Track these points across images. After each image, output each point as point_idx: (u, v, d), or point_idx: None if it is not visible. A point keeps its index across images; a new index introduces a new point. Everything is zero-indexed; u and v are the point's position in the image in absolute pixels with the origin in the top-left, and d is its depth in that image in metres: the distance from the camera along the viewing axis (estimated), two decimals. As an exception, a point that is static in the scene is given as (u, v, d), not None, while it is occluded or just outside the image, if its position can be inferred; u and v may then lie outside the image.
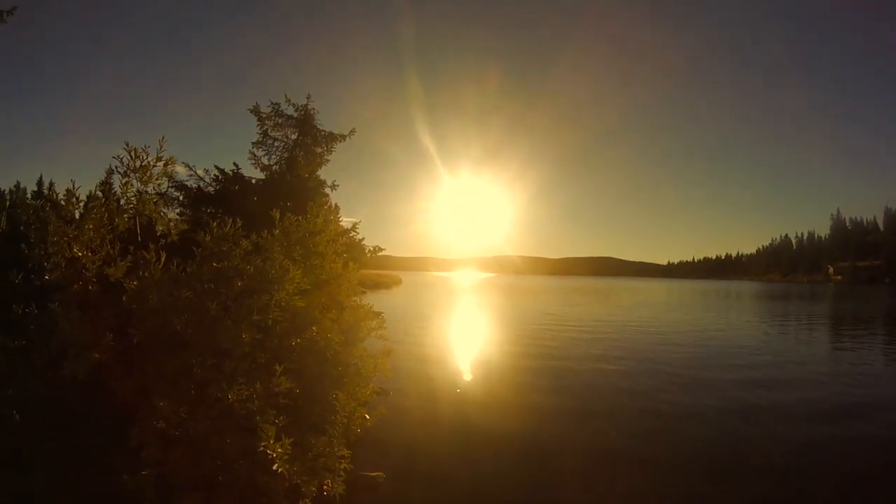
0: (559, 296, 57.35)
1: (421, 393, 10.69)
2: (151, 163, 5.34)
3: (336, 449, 4.72)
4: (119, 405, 4.42)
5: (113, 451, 4.38)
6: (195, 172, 11.64)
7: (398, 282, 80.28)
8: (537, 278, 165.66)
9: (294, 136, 11.95)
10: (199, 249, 4.50)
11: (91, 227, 4.64)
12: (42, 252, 4.62)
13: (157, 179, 5.52)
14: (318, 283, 5.17)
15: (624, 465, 7.23)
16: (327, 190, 11.93)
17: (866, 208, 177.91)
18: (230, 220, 4.54)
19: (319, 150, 11.90)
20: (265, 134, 11.82)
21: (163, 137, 5.36)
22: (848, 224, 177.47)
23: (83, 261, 4.57)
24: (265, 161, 11.79)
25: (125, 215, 5.34)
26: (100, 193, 5.36)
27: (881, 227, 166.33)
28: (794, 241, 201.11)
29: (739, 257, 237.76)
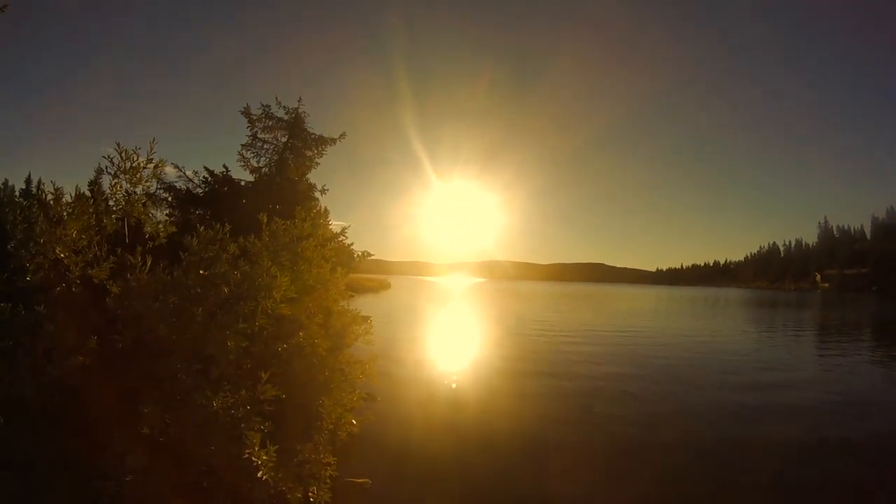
0: (549, 302, 57.50)
1: (410, 398, 10.67)
2: (142, 164, 5.30)
3: (322, 455, 4.70)
4: (104, 410, 4.37)
5: (97, 456, 4.34)
6: (184, 174, 11.60)
7: (387, 286, 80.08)
8: (528, 284, 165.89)
9: (284, 139, 11.92)
10: (186, 254, 4.47)
11: (76, 228, 4.59)
12: (26, 252, 4.57)
13: (146, 181, 5.48)
14: (305, 288, 5.14)
15: (612, 468, 7.27)
16: (317, 194, 11.92)
17: (854, 217, 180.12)
18: (217, 225, 4.51)
19: (309, 153, 11.88)
20: (255, 136, 11.78)
21: (153, 139, 5.33)
22: (835, 232, 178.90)
23: (66, 262, 4.52)
24: (254, 163, 11.76)
25: (113, 216, 5.30)
26: (88, 193, 5.32)
27: (868, 235, 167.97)
28: (781, 249, 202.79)
29: (728, 264, 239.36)
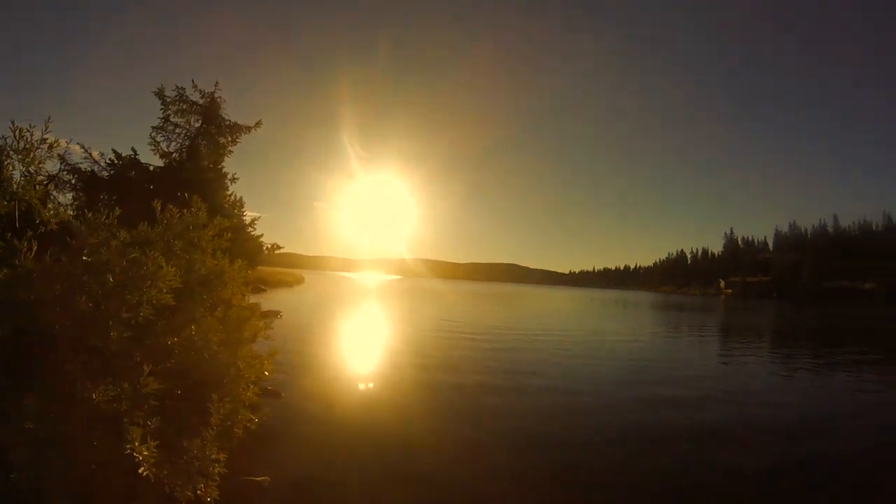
0: (462, 300, 58.15)
1: (315, 395, 10.45)
2: (35, 144, 4.99)
3: (210, 452, 4.55)
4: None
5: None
6: (90, 155, 11.02)
7: (301, 281, 78.42)
8: (442, 282, 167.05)
9: (198, 124, 11.52)
10: (72, 240, 4.24)
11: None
12: None
13: (40, 162, 5.17)
14: (200, 279, 4.95)
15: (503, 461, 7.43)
16: (228, 182, 11.58)
17: (758, 229, 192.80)
18: (106, 210, 4.30)
19: (223, 140, 11.53)
20: (167, 119, 11.33)
21: (48, 118, 5.03)
22: (740, 243, 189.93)
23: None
24: (165, 148, 11.31)
25: (3, 200, 4.97)
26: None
27: (771, 246, 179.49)
28: (689, 257, 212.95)
29: (638, 269, 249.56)
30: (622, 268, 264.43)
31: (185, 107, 11.38)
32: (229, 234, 5.71)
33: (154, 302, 4.23)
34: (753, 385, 14.43)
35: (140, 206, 5.24)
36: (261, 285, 45.41)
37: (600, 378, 14.25)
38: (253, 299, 16.67)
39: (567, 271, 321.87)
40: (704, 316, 53.04)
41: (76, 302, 4.09)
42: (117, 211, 4.34)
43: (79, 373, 4.00)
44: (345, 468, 6.95)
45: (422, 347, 18.51)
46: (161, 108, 11.25)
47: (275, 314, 24.19)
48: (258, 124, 11.63)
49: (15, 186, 5.11)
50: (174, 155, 11.30)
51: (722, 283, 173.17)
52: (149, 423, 3.99)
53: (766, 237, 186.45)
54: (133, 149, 11.15)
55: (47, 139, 5.08)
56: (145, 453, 3.80)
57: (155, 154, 11.31)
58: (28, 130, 4.93)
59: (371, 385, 12.00)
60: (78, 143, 10.80)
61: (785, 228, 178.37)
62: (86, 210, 4.37)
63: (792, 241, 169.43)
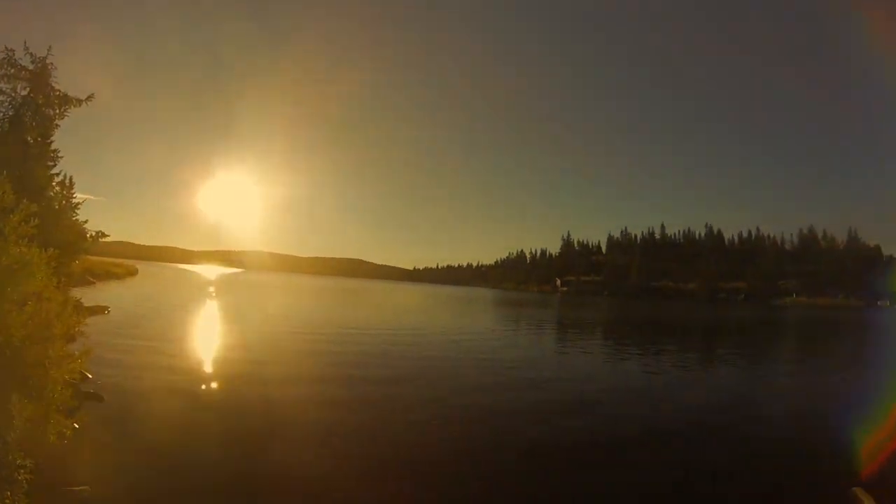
0: (307, 297, 57.46)
1: (142, 397, 9.66)
2: None
3: (14, 458, 4.11)
4: None
5: None
6: None
7: (134, 273, 72.34)
8: (285, 276, 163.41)
9: (25, 93, 10.27)
10: None
11: None
12: None
13: None
14: (1, 269, 4.39)
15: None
16: (52, 160, 10.49)
17: (592, 234, 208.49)
18: None
19: (51, 112, 10.38)
20: (-9, 84, 10.04)
21: None
22: (576, 245, 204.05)
23: None
24: (-16, 116, 9.98)
25: None
26: None
27: (604, 249, 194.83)
28: (528, 256, 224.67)
29: (479, 267, 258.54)
30: (465, 265, 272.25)
31: (12, 71, 10.14)
32: (37, 220, 5.07)
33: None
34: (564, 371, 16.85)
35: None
36: (90, 277, 41.49)
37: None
38: (78, 293, 15.13)
39: (412, 267, 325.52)
40: (541, 310, 57.15)
41: None
42: None
43: None
44: (172, 474, 6.57)
45: (254, 345, 17.98)
46: (-16, 70, 9.98)
47: (101, 309, 22.27)
48: (90, 97, 10.60)
49: None
50: (-6, 126, 10.01)
51: (558, 282, 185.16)
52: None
53: (599, 241, 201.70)
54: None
55: None
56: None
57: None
58: None
59: (203, 386, 11.43)
60: None
61: (617, 234, 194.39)
62: None
63: (623, 245, 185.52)
